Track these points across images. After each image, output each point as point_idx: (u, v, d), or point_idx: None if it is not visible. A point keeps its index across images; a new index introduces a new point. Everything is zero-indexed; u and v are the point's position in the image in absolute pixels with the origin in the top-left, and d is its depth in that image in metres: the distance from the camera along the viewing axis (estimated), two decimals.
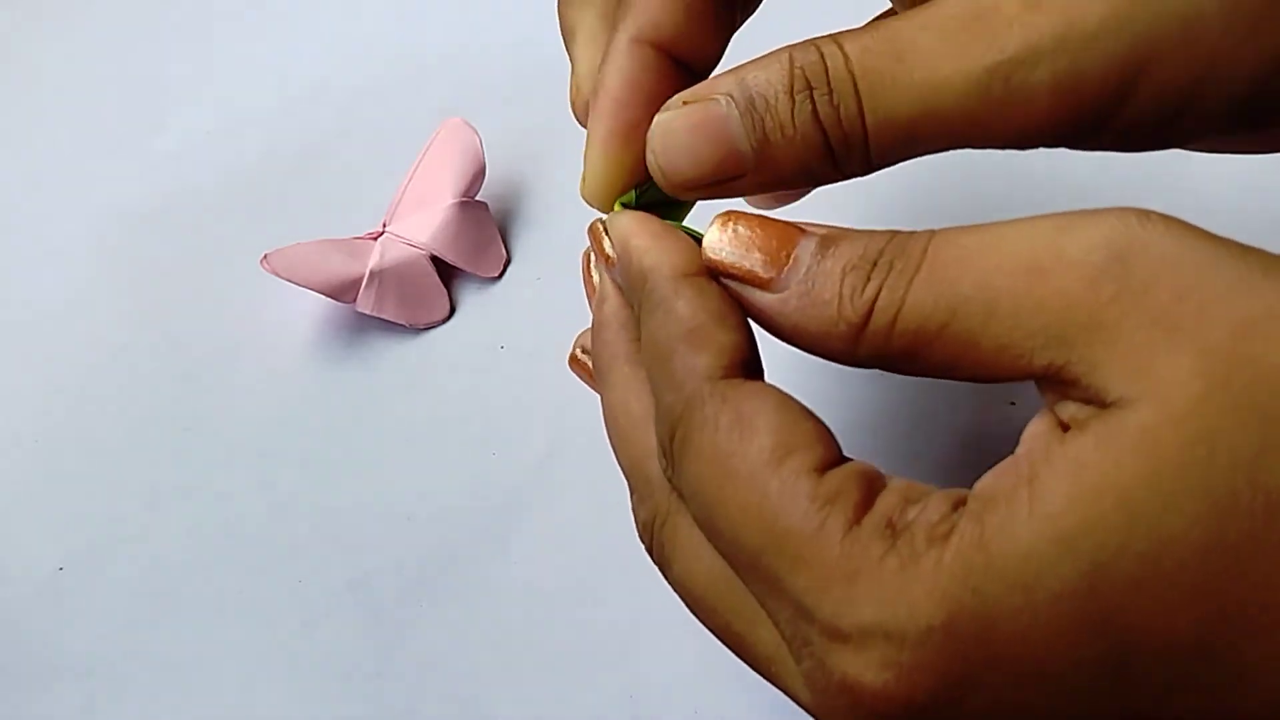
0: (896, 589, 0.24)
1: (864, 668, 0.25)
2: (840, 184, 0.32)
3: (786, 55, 0.30)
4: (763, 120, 0.30)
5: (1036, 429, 0.26)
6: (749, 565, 0.27)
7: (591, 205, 0.35)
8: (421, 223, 0.56)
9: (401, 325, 0.55)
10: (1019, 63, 0.28)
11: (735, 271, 0.29)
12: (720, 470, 0.27)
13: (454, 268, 0.56)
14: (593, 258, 0.34)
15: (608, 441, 0.33)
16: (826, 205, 0.38)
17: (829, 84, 0.29)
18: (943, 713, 0.24)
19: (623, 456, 0.32)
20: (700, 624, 0.31)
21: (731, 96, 0.30)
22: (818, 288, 0.28)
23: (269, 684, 0.49)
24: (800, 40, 0.30)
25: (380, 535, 0.51)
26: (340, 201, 0.59)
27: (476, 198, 0.57)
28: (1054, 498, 0.24)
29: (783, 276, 0.28)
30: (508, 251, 0.57)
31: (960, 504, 0.25)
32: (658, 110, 0.32)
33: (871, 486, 0.26)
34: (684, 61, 0.34)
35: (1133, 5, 0.27)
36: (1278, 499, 0.23)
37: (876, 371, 0.28)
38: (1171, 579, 0.23)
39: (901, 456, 0.49)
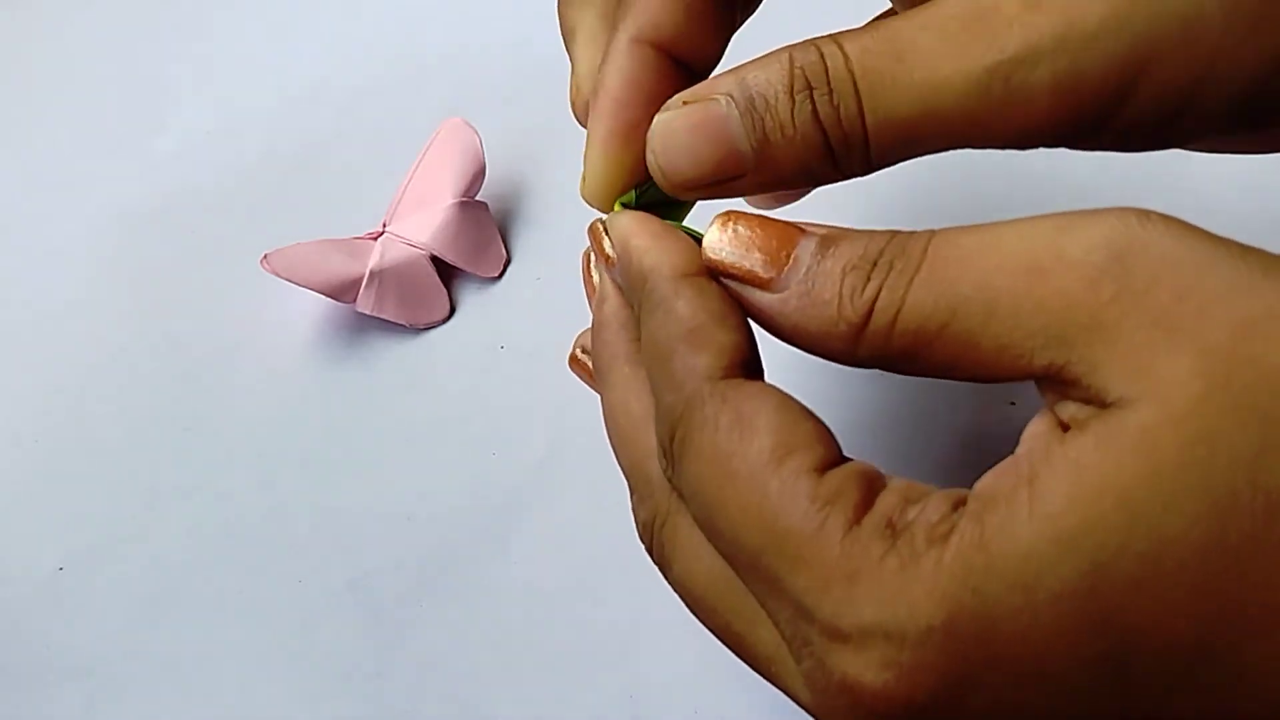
0: (896, 589, 0.24)
1: (864, 668, 0.25)
2: (840, 184, 0.32)
3: (786, 55, 0.30)
4: (763, 120, 0.30)
5: (1036, 429, 0.26)
6: (749, 565, 0.27)
7: (591, 205, 0.35)
8: (421, 223, 0.56)
9: (401, 325, 0.55)
10: (1019, 62, 0.28)
11: (735, 271, 0.29)
12: (720, 470, 0.27)
13: (454, 268, 0.56)
14: (593, 257, 0.34)
15: (608, 441, 0.33)
16: (826, 206, 0.38)
17: (829, 84, 0.29)
18: (943, 713, 0.24)
19: (623, 457, 0.32)
20: (700, 624, 0.31)
21: (731, 96, 0.30)
22: (818, 288, 0.28)
23: (269, 684, 0.49)
24: (800, 40, 0.30)
25: (380, 535, 0.51)
26: (340, 201, 0.59)
27: (476, 198, 0.57)
28: (1054, 498, 0.24)
29: (783, 276, 0.28)
30: (508, 251, 0.57)
31: (960, 504, 0.25)
32: (658, 110, 0.31)
33: (871, 486, 0.26)
34: (684, 61, 0.34)
35: (1132, 5, 0.27)
36: (1278, 499, 0.23)
37: (876, 372, 0.28)
38: (1172, 579, 0.23)
39: (901, 457, 0.49)
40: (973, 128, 0.28)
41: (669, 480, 0.30)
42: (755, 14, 0.37)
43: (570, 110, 0.37)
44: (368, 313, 0.55)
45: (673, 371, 0.29)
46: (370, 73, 0.64)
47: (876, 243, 0.27)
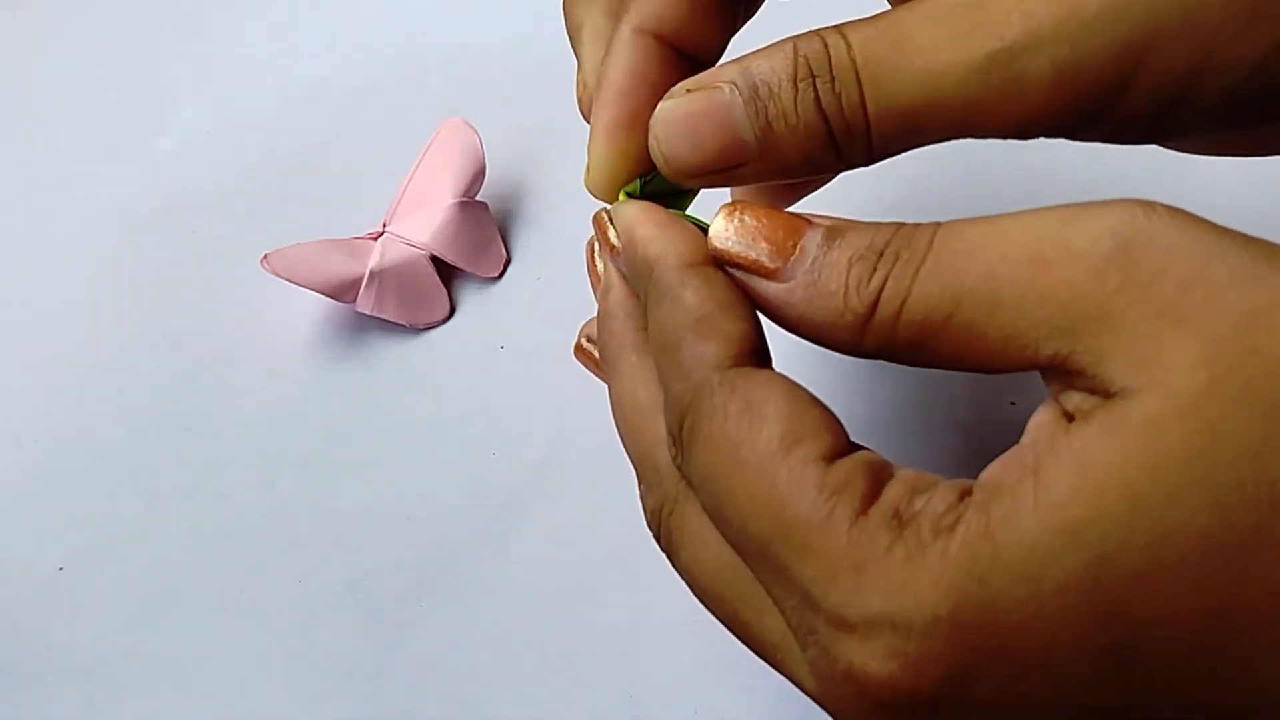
0: (903, 579, 0.24)
1: (870, 657, 0.25)
2: (846, 178, 0.32)
3: (790, 44, 0.30)
4: (766, 108, 0.30)
5: (1041, 419, 0.26)
6: (756, 553, 0.27)
7: (595, 196, 0.35)
8: (421, 223, 0.56)
9: (401, 325, 0.55)
10: (1019, 50, 0.28)
11: (741, 261, 0.29)
12: (729, 459, 0.27)
13: (454, 268, 0.56)
14: (597, 247, 0.34)
15: (608, 439, 0.33)
16: (832, 199, 0.38)
17: (831, 72, 0.29)
18: (948, 703, 0.24)
19: (631, 445, 0.32)
20: (703, 619, 0.31)
21: (735, 84, 0.30)
22: (824, 278, 0.28)
23: (269, 684, 0.49)
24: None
25: (380, 535, 0.51)
26: (340, 201, 0.59)
27: (476, 198, 0.57)
28: (1059, 488, 0.24)
29: (789, 267, 0.28)
30: (508, 251, 0.57)
31: (966, 494, 0.25)
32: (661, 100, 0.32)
33: (879, 476, 0.26)
34: (687, 53, 0.34)
35: None
36: None
37: (881, 363, 0.28)
38: (1176, 570, 0.23)
39: (905, 447, 0.49)
40: (974, 115, 0.28)
41: (677, 468, 0.30)
42: (760, 13, 0.37)
43: (577, 108, 0.37)
44: (368, 313, 0.55)
45: (681, 360, 0.29)
46: (370, 73, 0.64)
47: (883, 234, 0.27)
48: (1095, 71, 0.28)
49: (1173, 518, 0.23)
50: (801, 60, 0.29)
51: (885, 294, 0.27)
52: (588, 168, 0.34)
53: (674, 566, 0.31)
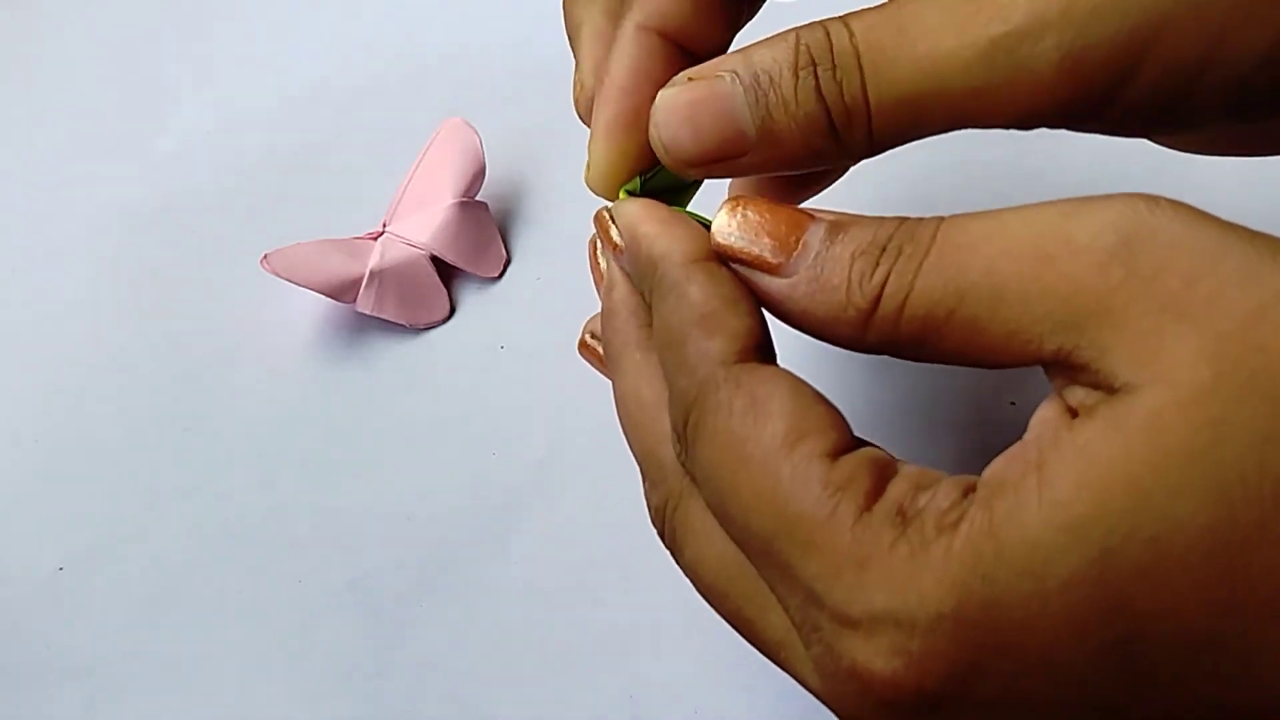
0: (907, 576, 0.24)
1: (874, 654, 0.25)
2: (849, 175, 0.32)
3: (793, 34, 0.30)
4: (766, 96, 0.30)
5: (1045, 415, 0.26)
6: (760, 550, 0.27)
7: (595, 193, 0.35)
8: (421, 223, 0.56)
9: (401, 325, 0.55)
10: (1024, 34, 0.27)
11: (744, 256, 0.29)
12: (733, 455, 0.27)
13: (454, 268, 0.56)
14: (599, 245, 0.34)
15: (609, 439, 0.33)
16: (834, 195, 0.38)
17: (833, 60, 0.29)
18: (952, 700, 0.24)
19: (635, 442, 0.32)
20: (703, 618, 0.31)
21: (736, 73, 0.30)
22: (826, 273, 0.28)
23: (269, 684, 0.49)
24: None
25: (380, 535, 0.51)
26: (340, 201, 0.59)
27: (476, 198, 0.57)
28: (1062, 484, 0.24)
29: (791, 262, 0.28)
30: (508, 251, 0.57)
31: (970, 491, 0.25)
32: None
33: (883, 473, 0.26)
34: (690, 50, 0.34)
35: None
36: None
37: (884, 359, 0.28)
38: (1180, 565, 0.23)
39: (907, 444, 0.49)
40: (976, 103, 0.28)
41: (682, 465, 0.30)
42: (766, 12, 0.37)
43: (574, 109, 0.37)
44: (368, 313, 0.55)
45: (686, 356, 0.29)
46: (370, 73, 0.64)
47: (886, 229, 0.27)
48: (1101, 58, 0.27)
49: (1177, 512, 0.23)
50: (803, 49, 0.29)
51: (888, 289, 0.27)
52: (588, 165, 0.34)
53: (678, 564, 0.31)
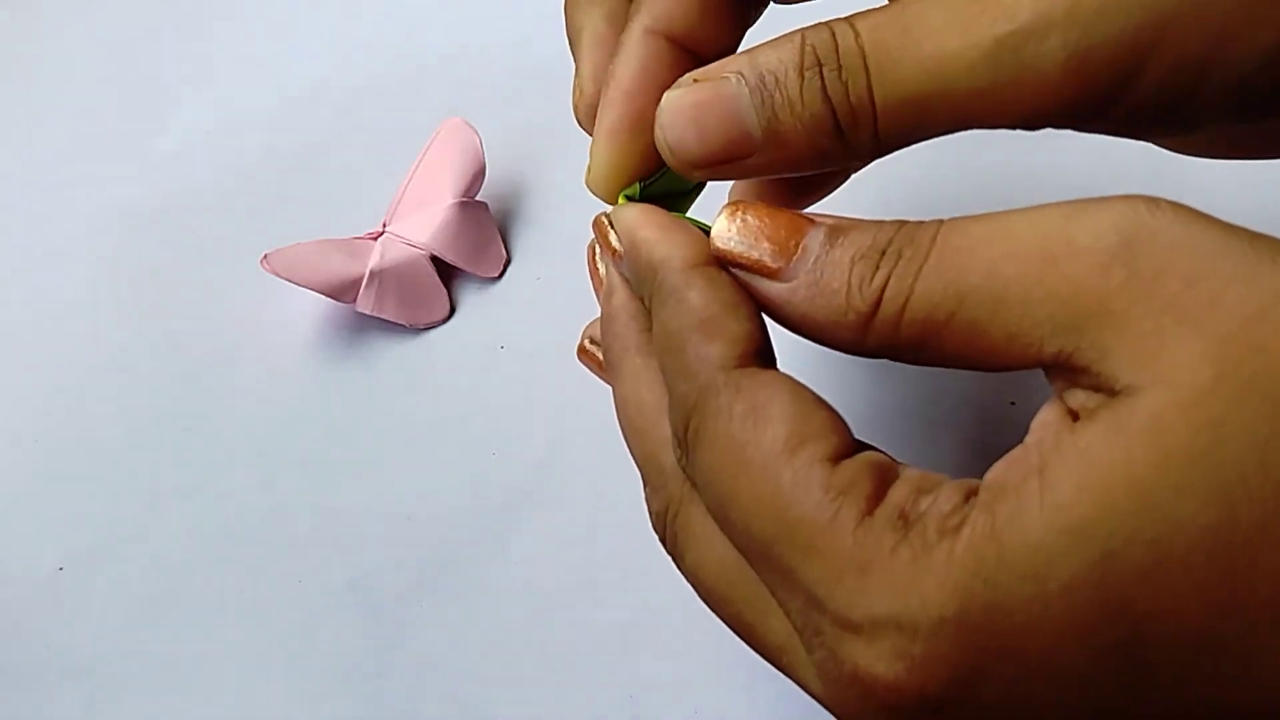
0: (909, 580, 0.24)
1: (876, 659, 0.25)
2: (850, 179, 0.31)
3: (799, 35, 0.30)
4: (772, 97, 0.29)
5: (1046, 418, 0.26)
6: (761, 555, 0.27)
7: (595, 195, 0.34)
8: (421, 223, 0.56)
9: (401, 325, 0.55)
10: (1029, 33, 0.27)
11: (744, 261, 0.29)
12: (734, 459, 0.27)
13: (454, 268, 0.56)
14: (598, 250, 0.34)
15: (609, 439, 0.33)
16: (835, 198, 0.38)
17: (839, 60, 0.29)
18: (954, 704, 0.24)
19: (636, 447, 0.32)
20: (703, 619, 0.31)
21: (742, 74, 0.30)
22: (826, 277, 0.27)
23: (269, 684, 0.49)
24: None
25: (380, 535, 0.51)
26: (340, 201, 0.59)
27: (476, 198, 0.57)
28: (1064, 487, 0.24)
29: (791, 266, 0.28)
30: (508, 251, 0.57)
31: (972, 494, 0.25)
32: None
33: (884, 477, 0.26)
34: (697, 54, 0.34)
35: None
36: None
37: (884, 362, 0.28)
38: (1181, 566, 0.23)
39: (907, 446, 0.49)
40: (982, 103, 0.28)
41: (683, 470, 0.30)
42: (770, 14, 0.36)
43: (573, 113, 0.37)
44: (368, 313, 0.55)
45: (686, 361, 0.28)
46: (370, 73, 0.64)
47: (885, 232, 0.27)
48: (1107, 57, 0.27)
49: (1178, 514, 0.23)
50: (809, 50, 0.29)
51: (888, 293, 0.26)
52: (589, 167, 0.34)
53: (679, 569, 0.31)
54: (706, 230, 0.30)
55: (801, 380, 0.28)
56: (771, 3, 0.36)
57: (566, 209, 0.57)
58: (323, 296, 0.54)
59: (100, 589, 0.52)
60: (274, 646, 0.50)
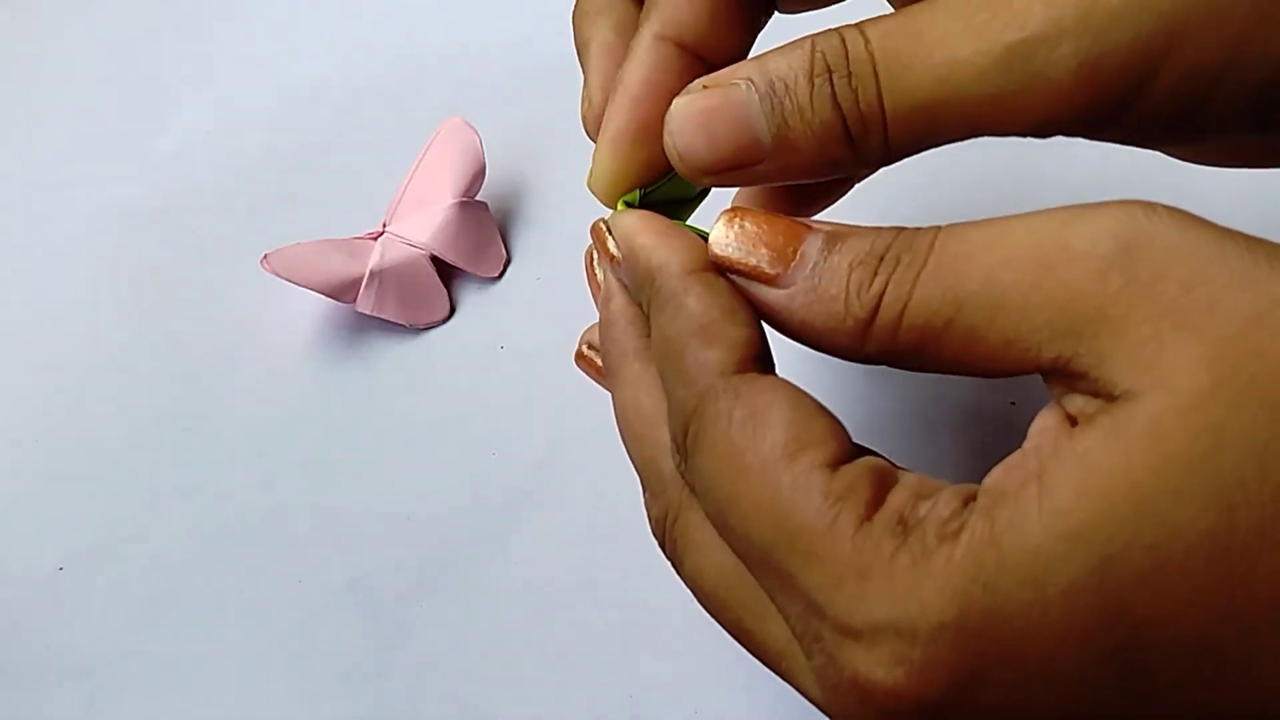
0: (908, 586, 0.24)
1: (875, 664, 0.25)
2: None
3: (809, 42, 0.30)
4: (782, 104, 0.29)
5: (1044, 423, 0.26)
6: (761, 561, 0.27)
7: (596, 197, 0.34)
8: (421, 223, 0.56)
9: (401, 325, 0.55)
10: (1041, 40, 0.27)
11: (742, 268, 0.29)
12: (733, 465, 0.27)
13: (454, 268, 0.56)
14: (596, 256, 0.34)
15: (608, 440, 0.33)
16: (837, 203, 0.38)
17: (849, 67, 0.29)
18: (954, 709, 0.24)
19: (635, 453, 0.32)
20: (703, 619, 0.31)
21: (752, 81, 0.30)
22: (824, 283, 0.27)
23: (269, 684, 0.49)
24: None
25: (380, 535, 0.51)
26: (340, 201, 0.59)
27: (476, 198, 0.57)
28: (1063, 493, 0.24)
29: (789, 272, 0.28)
30: (508, 251, 0.57)
31: (971, 500, 0.25)
32: None
33: (884, 482, 0.26)
34: (707, 60, 0.34)
35: None
36: None
37: (882, 367, 0.28)
38: (1181, 571, 0.23)
39: (906, 449, 0.49)
40: (993, 110, 0.28)
41: (682, 475, 0.30)
42: (780, 19, 0.36)
43: (582, 126, 0.37)
44: (368, 313, 0.55)
45: (685, 367, 0.28)
46: (370, 73, 0.64)
47: (883, 238, 0.27)
48: (1119, 64, 0.27)
49: (1177, 518, 0.23)
50: (819, 56, 0.29)
51: (886, 299, 0.26)
52: (592, 170, 0.34)
53: (678, 574, 0.31)
54: (705, 237, 0.30)
55: (800, 385, 0.28)
56: (777, 12, 0.36)
57: (566, 209, 0.57)
58: (323, 296, 0.54)
59: (100, 589, 0.52)
60: (274, 646, 0.50)
